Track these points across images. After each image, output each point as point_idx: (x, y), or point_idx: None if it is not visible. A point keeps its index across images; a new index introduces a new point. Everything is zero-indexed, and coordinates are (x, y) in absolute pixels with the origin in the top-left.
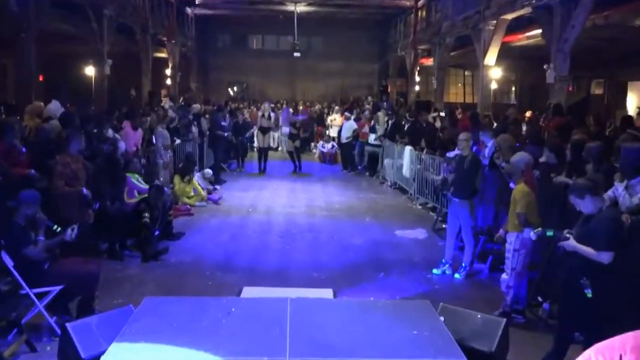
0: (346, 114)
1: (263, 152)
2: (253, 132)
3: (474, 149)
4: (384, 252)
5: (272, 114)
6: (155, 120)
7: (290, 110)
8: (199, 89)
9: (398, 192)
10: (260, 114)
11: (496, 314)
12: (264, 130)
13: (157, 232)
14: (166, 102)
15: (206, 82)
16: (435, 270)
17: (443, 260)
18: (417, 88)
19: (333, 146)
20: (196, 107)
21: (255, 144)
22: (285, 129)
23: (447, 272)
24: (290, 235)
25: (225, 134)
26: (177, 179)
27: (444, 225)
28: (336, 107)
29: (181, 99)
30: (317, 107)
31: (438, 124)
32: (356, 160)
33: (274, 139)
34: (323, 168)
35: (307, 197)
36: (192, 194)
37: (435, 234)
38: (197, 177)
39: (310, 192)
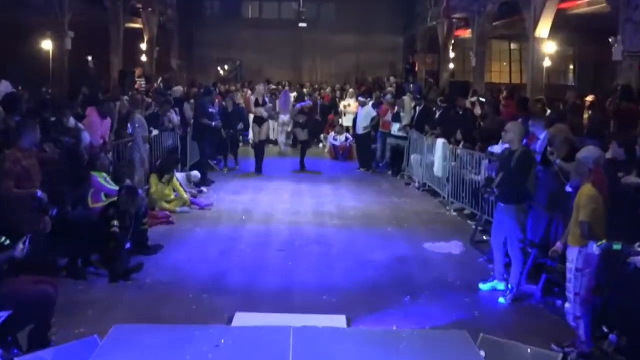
0: (361, 98)
1: (258, 147)
2: (248, 121)
3: (524, 142)
4: (409, 269)
5: (268, 99)
6: (131, 105)
7: (293, 94)
8: (182, 67)
9: (427, 196)
10: (253, 99)
11: (573, 357)
12: (259, 121)
13: (128, 245)
14: (141, 84)
15: (190, 59)
16: (483, 285)
17: (492, 274)
18: (451, 66)
19: (347, 138)
20: (178, 89)
21: (250, 137)
22: (283, 117)
23: (498, 287)
24: (294, 248)
25: (214, 124)
26: (153, 178)
27: (484, 237)
28: (350, 90)
29: (159, 79)
30: (327, 90)
31: (477, 110)
32: (377, 156)
33: (274, 130)
34: (334, 165)
35: (315, 202)
36: (172, 197)
37: (473, 248)
38: (179, 177)
39: (319, 195)
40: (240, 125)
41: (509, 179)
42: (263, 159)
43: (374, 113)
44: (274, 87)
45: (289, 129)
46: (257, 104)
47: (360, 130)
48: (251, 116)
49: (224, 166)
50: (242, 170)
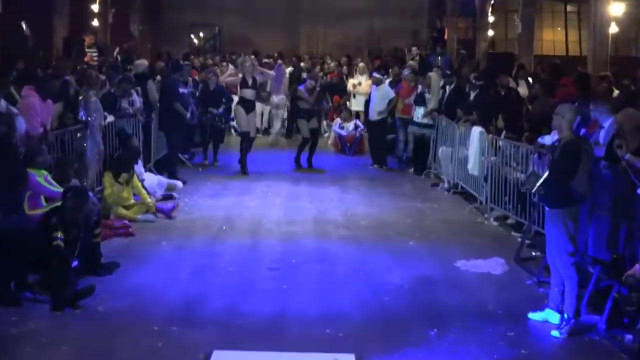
0: (376, 75)
1: (245, 139)
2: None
3: (582, 131)
4: (437, 295)
5: (260, 77)
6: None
7: (288, 70)
8: (146, 35)
9: (460, 200)
10: (239, 77)
11: None
12: (247, 105)
13: (76, 263)
14: (92, 56)
15: (157, 25)
16: (532, 315)
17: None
18: (490, 33)
19: (357, 127)
20: (141, 63)
21: (234, 124)
22: (276, 98)
23: (552, 318)
24: (289, 267)
25: (188, 115)
26: (108, 178)
27: (533, 253)
28: (361, 65)
29: (116, 51)
30: (331, 64)
31: (524, 90)
32: (395, 150)
33: (262, 115)
34: (341, 161)
35: (316, 208)
36: (132, 201)
37: (520, 267)
38: (142, 174)
39: (321, 199)
40: (220, 110)
41: (552, 176)
42: (247, 154)
43: (392, 94)
44: (265, 60)
45: (284, 114)
46: (244, 84)
47: (374, 116)
48: (235, 98)
49: (203, 160)
50: (223, 168)
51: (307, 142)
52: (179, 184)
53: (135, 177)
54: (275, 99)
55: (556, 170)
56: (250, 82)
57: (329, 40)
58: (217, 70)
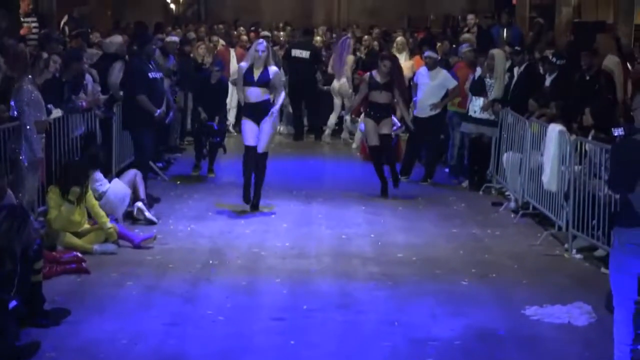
0: (430, 54)
1: (251, 155)
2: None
3: None
4: (501, 353)
5: (272, 69)
6: (12, 67)
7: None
8: None
9: (532, 225)
10: (242, 65)
11: None
12: (253, 110)
13: (14, 303)
14: (31, 27)
15: None
16: None
17: None
18: None
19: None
20: (115, 41)
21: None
22: (337, 82)
23: None
24: (299, 317)
25: (158, 112)
26: (53, 195)
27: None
28: (399, 39)
29: (64, 20)
30: (363, 38)
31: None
32: (449, 157)
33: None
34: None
35: (336, 236)
36: (85, 226)
37: (612, 316)
38: (101, 185)
39: (343, 223)
40: (203, 114)
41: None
42: (261, 180)
43: (452, 82)
44: (265, 33)
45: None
46: (248, 77)
47: (423, 110)
48: (230, 89)
49: (193, 169)
50: (210, 179)
51: (378, 152)
52: (141, 207)
53: (90, 194)
54: (336, 83)
55: None
56: (257, 76)
57: (355, 5)
58: (201, 47)
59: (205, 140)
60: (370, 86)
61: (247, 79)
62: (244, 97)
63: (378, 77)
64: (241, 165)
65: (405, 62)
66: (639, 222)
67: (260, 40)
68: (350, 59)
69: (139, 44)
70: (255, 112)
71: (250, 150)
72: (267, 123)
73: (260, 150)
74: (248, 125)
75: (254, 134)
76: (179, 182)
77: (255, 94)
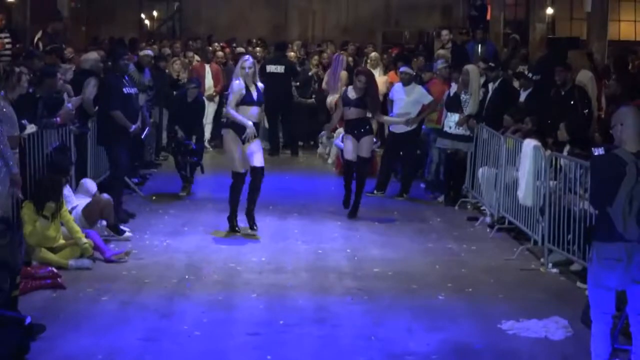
0: (405, 69)
1: (238, 181)
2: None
3: None
4: None
5: (260, 85)
6: None
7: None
8: (79, 13)
9: (507, 240)
10: (236, 83)
11: None
12: (255, 129)
13: (29, 320)
14: (4, 42)
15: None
16: None
17: None
18: (549, 12)
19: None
20: (91, 57)
21: (236, 162)
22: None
23: None
24: (275, 332)
25: (133, 127)
26: (28, 210)
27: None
28: (373, 55)
29: (37, 35)
30: (325, 52)
31: (593, 88)
32: (427, 172)
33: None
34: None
35: (313, 250)
36: (61, 240)
37: (588, 330)
38: (71, 202)
39: (319, 238)
40: (180, 133)
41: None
42: (252, 205)
43: (428, 97)
44: (239, 50)
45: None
46: (248, 97)
47: (399, 125)
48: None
49: (182, 190)
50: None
51: (350, 167)
52: (127, 233)
53: (65, 209)
54: (329, 99)
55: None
56: (255, 94)
57: (330, 21)
58: (177, 63)
59: (182, 160)
60: (343, 102)
61: (246, 99)
62: (246, 116)
63: (351, 93)
64: (216, 181)
65: (379, 78)
66: (618, 236)
67: (246, 56)
68: (344, 75)
69: (112, 59)
70: (257, 130)
71: (243, 176)
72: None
73: (262, 165)
74: (255, 145)
75: (260, 154)
76: (154, 198)
77: (256, 112)
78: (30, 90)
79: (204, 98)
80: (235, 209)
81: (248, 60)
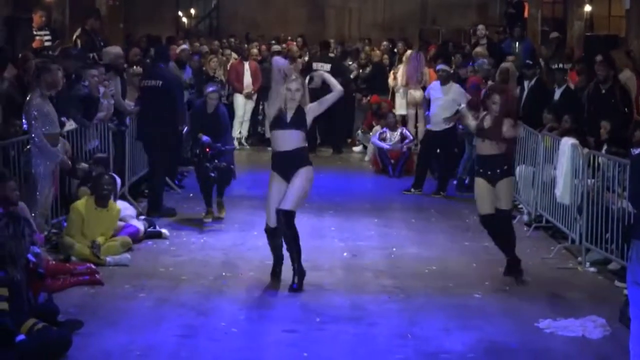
0: (443, 67)
1: (274, 236)
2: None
3: None
4: None
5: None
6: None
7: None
8: (117, 12)
9: (545, 238)
10: (282, 91)
11: None
12: (281, 162)
13: (21, 337)
14: (43, 40)
15: None
16: None
17: None
18: (587, 9)
19: (405, 138)
20: (113, 50)
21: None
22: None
23: None
24: (312, 329)
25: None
26: (85, 202)
27: None
28: (409, 53)
29: (76, 33)
30: (373, 52)
31: (633, 86)
32: (460, 170)
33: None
34: (383, 184)
35: (349, 248)
36: (113, 236)
37: (626, 329)
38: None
39: (356, 236)
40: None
41: None
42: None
43: (466, 96)
44: (276, 47)
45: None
46: (279, 119)
47: (436, 124)
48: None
49: (206, 213)
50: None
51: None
52: (164, 232)
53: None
54: (414, 94)
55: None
56: (288, 111)
57: (366, 19)
58: (213, 61)
59: (209, 168)
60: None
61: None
62: None
63: (487, 122)
64: (252, 178)
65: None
66: None
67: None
68: (427, 71)
69: (156, 56)
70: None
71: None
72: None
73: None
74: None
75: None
76: (191, 195)
77: (289, 140)
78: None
79: (243, 96)
80: (275, 265)
81: (280, 63)
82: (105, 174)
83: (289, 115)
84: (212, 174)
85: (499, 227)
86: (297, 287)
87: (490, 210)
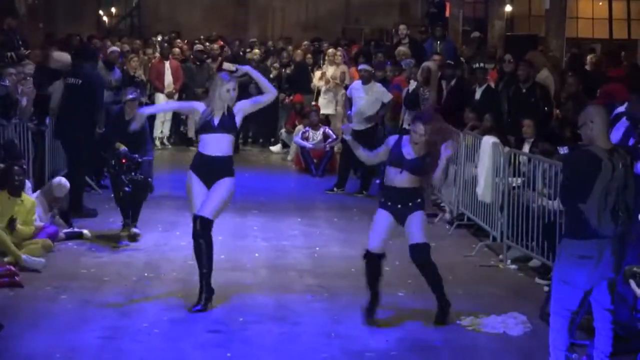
0: (364, 67)
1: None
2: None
3: (631, 141)
4: None
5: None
6: None
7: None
8: (36, 11)
9: (466, 236)
10: (224, 95)
11: None
12: (204, 170)
13: None
14: None
15: None
16: None
17: None
18: (507, 9)
19: (327, 137)
20: (63, 56)
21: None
22: None
23: None
24: (235, 329)
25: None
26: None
27: None
28: (331, 52)
29: None
30: (294, 51)
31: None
32: (382, 169)
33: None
34: (306, 183)
35: (272, 248)
36: (30, 228)
37: (546, 325)
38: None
39: (279, 235)
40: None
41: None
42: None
43: (388, 95)
44: (198, 47)
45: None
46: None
47: (359, 122)
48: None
49: (124, 228)
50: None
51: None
52: (86, 232)
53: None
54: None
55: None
56: (218, 113)
57: (290, 18)
58: (134, 60)
59: (125, 180)
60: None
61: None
62: None
63: (406, 149)
64: (175, 179)
65: (335, 71)
66: (591, 233)
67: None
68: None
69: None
70: None
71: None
72: None
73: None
74: None
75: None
76: (112, 195)
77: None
78: None
79: (164, 94)
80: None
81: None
82: (15, 164)
83: (218, 118)
84: (127, 189)
85: (379, 269)
86: (201, 307)
87: (380, 250)
